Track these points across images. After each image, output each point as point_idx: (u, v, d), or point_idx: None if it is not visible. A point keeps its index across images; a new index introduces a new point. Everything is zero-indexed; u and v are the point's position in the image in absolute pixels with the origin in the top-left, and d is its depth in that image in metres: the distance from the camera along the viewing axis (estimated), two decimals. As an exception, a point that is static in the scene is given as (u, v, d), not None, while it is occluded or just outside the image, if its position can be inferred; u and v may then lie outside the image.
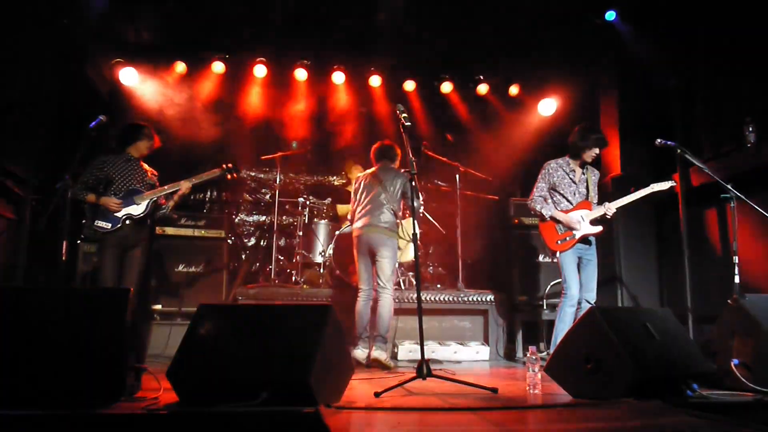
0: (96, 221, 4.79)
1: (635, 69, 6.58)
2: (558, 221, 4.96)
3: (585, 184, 5.09)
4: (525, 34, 6.94)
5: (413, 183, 4.20)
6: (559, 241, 4.93)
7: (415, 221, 4.16)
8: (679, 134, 6.02)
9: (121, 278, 4.85)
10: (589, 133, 4.97)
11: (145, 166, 5.16)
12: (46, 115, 5.74)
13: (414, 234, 4.22)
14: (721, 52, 5.75)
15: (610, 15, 6.58)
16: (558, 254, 4.95)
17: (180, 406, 2.88)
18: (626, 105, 6.78)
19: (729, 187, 4.48)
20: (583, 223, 4.91)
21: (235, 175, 5.19)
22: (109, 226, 4.79)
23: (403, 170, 5.43)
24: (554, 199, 5.07)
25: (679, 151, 4.69)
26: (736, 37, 5.55)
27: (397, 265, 6.18)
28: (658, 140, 4.81)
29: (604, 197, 5.09)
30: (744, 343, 3.58)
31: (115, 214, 4.82)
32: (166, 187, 5.02)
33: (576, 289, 4.84)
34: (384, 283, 5.13)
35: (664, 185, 4.88)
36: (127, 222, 4.83)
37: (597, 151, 4.99)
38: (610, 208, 4.87)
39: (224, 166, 5.15)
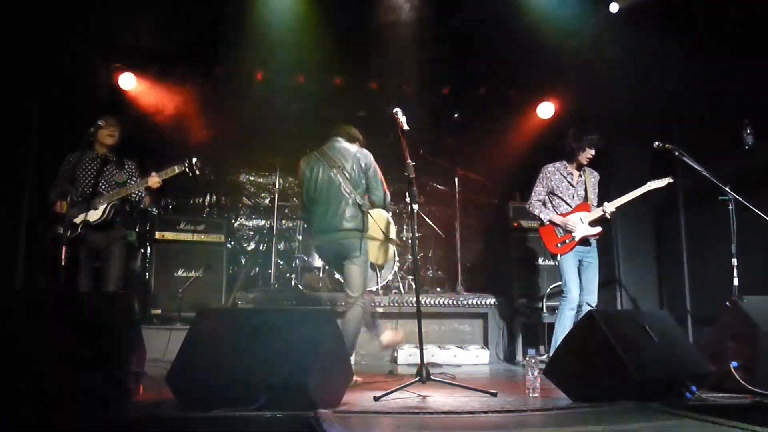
0: (59, 227, 4.62)
1: (633, 70, 6.59)
2: (556, 225, 4.97)
3: (583, 186, 5.10)
4: (523, 36, 6.95)
5: (413, 187, 4.15)
6: (558, 244, 4.95)
7: (414, 225, 4.15)
8: (677, 136, 6.03)
9: (100, 282, 4.79)
10: (582, 134, 4.98)
11: (117, 158, 4.98)
12: (44, 119, 5.75)
13: (413, 238, 4.21)
14: (720, 54, 5.77)
15: (614, 7, 6.54)
16: (558, 257, 4.96)
17: (179, 410, 2.88)
18: (624, 107, 6.79)
19: (727, 189, 4.50)
20: (581, 224, 4.92)
21: (197, 171, 4.83)
22: (68, 233, 4.58)
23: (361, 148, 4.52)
24: (553, 202, 5.09)
25: (677, 153, 4.69)
26: (734, 38, 5.57)
27: (396, 269, 6.19)
28: (656, 142, 4.81)
29: (605, 198, 5.09)
30: (743, 345, 3.58)
31: (74, 221, 4.67)
32: (121, 191, 4.81)
33: (576, 293, 4.84)
34: (353, 291, 4.30)
35: (661, 182, 4.91)
36: (87, 229, 4.69)
37: (592, 152, 5.00)
38: (608, 208, 4.89)
39: (187, 162, 4.77)
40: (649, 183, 4.91)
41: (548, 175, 5.11)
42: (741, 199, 4.44)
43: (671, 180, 4.91)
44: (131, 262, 6.01)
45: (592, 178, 5.17)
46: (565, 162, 5.12)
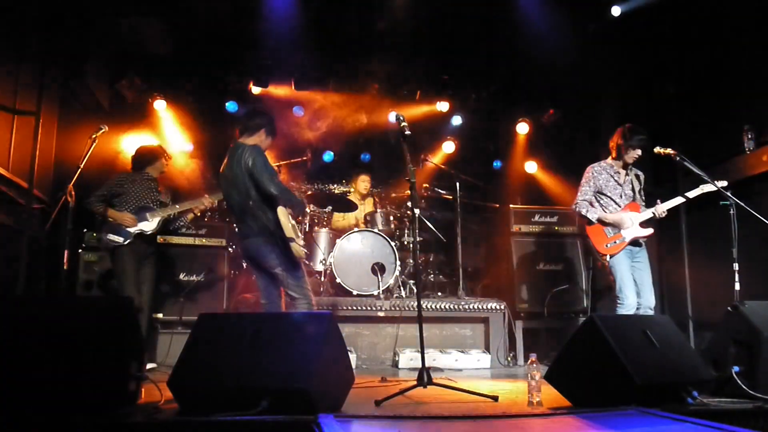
0: (108, 234, 4.98)
1: (635, 76, 6.60)
2: (606, 223, 4.85)
3: (630, 185, 4.99)
4: (523, 41, 6.97)
5: (414, 191, 4.15)
6: (608, 245, 4.80)
7: (415, 229, 4.16)
8: (678, 141, 6.04)
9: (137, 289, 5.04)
10: (631, 134, 4.86)
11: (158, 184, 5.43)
12: (47, 125, 5.76)
13: (414, 242, 4.21)
14: (721, 59, 5.78)
15: (616, 10, 6.54)
16: (608, 258, 4.80)
17: (181, 415, 2.89)
18: (626, 112, 6.80)
19: (728, 194, 4.49)
20: (632, 224, 4.80)
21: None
22: (120, 240, 4.98)
23: (261, 148, 4.31)
24: (601, 202, 4.97)
25: (678, 158, 4.69)
26: (735, 43, 5.58)
27: (398, 273, 6.18)
28: (657, 147, 4.80)
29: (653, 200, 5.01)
30: (744, 350, 3.57)
31: (128, 229, 5.01)
32: (177, 206, 5.29)
33: (633, 298, 4.65)
34: (294, 295, 4.28)
35: (712, 186, 4.67)
36: (138, 238, 5.04)
37: (639, 152, 4.89)
38: (659, 209, 4.76)
39: None
40: (701, 186, 4.73)
41: (595, 175, 4.99)
42: (743, 203, 4.44)
43: (725, 183, 4.66)
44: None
45: (639, 176, 5.08)
46: (610, 161, 5.03)
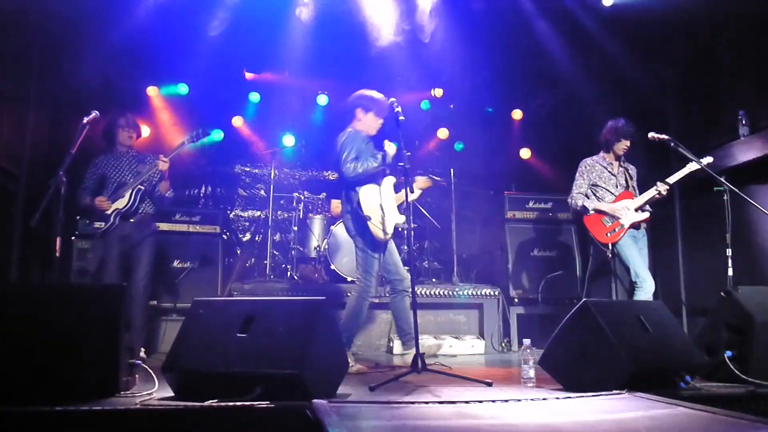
0: (93, 222, 4.83)
1: (630, 63, 6.58)
2: (603, 212, 4.94)
3: (624, 175, 5.11)
4: (518, 28, 6.93)
5: (408, 177, 4.14)
6: (608, 233, 4.89)
7: (409, 215, 4.15)
8: (673, 128, 6.03)
9: (128, 275, 4.85)
10: (618, 126, 5.00)
11: (138, 153, 5.15)
12: (38, 111, 5.71)
13: (408, 229, 4.22)
14: (717, 47, 5.77)
15: (607, 1, 6.54)
16: (611, 246, 4.87)
17: (175, 400, 2.89)
18: (621, 99, 6.78)
19: (722, 180, 4.50)
20: (628, 211, 4.89)
21: (204, 136, 5.02)
22: (102, 225, 4.80)
23: (356, 130, 4.53)
24: (597, 194, 5.07)
25: (672, 144, 4.70)
26: (730, 32, 5.56)
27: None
28: (651, 134, 4.82)
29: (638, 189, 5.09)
30: (737, 335, 3.59)
31: (106, 213, 4.81)
32: (143, 173, 4.93)
33: (651, 279, 4.75)
34: (359, 277, 4.50)
35: (704, 161, 4.71)
36: (118, 218, 4.83)
37: (627, 143, 5.01)
38: (662, 186, 4.82)
39: (192, 132, 4.98)
40: (689, 165, 4.75)
41: (588, 168, 5.12)
42: (736, 189, 4.44)
43: (711, 159, 4.74)
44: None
45: (630, 169, 5.18)
46: (602, 154, 5.15)
